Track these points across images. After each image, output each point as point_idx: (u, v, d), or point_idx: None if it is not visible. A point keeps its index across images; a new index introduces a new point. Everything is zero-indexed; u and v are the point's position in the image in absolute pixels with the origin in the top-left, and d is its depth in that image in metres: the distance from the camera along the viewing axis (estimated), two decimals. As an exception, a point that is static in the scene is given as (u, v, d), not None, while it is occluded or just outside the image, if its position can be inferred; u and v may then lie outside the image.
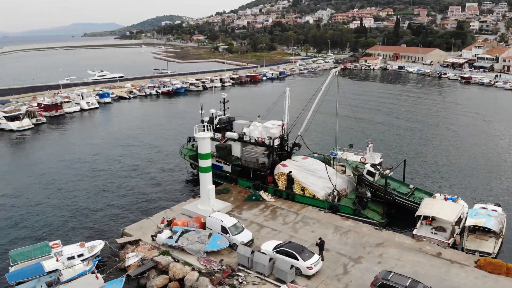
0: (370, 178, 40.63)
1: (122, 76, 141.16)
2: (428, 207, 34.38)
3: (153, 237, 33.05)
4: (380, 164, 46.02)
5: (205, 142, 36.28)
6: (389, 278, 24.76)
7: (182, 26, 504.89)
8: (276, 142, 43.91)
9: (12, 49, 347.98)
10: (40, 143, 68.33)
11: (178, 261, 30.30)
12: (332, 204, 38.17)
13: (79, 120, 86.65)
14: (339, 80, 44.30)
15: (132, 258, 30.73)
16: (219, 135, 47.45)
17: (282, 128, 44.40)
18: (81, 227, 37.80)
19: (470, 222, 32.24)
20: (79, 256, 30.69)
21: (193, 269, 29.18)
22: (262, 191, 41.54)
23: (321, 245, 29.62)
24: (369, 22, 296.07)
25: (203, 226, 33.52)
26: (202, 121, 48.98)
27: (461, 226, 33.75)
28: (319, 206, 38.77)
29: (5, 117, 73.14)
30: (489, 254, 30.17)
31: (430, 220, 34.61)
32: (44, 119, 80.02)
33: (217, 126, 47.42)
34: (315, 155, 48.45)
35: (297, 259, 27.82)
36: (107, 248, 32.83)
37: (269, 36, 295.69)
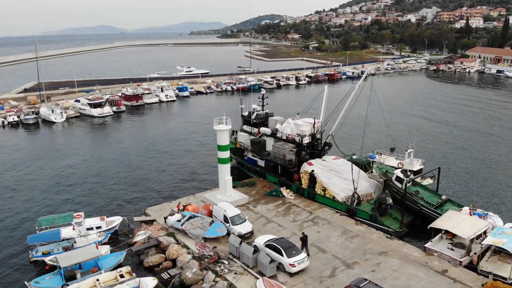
0: (399, 185, 38.29)
1: (207, 73, 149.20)
2: (446, 220, 31.53)
3: (165, 219, 35.36)
4: (420, 171, 43.25)
5: (224, 134, 37.57)
6: (361, 285, 23.58)
7: (280, 25, 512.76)
8: (306, 140, 43.45)
9: (122, 44, 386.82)
10: (116, 128, 76.23)
11: (179, 243, 32.15)
12: (349, 207, 36.86)
13: (156, 110, 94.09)
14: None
15: (140, 235, 33.39)
16: (256, 130, 48.40)
17: (313, 126, 43.77)
18: (112, 202, 42.08)
19: (488, 240, 28.85)
20: (97, 228, 34.23)
21: (188, 252, 30.78)
22: (284, 187, 41.63)
23: (303, 240, 29.34)
24: (477, 22, 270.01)
25: (210, 213, 34.95)
26: (242, 116, 50.70)
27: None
28: (337, 208, 37.73)
29: (88, 104, 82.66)
30: (505, 279, 26.80)
31: (451, 234, 31.70)
32: (123, 108, 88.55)
33: (254, 121, 48.43)
34: (354, 156, 47.12)
35: (282, 255, 27.81)
36: (125, 224, 36.05)
37: (365, 34, 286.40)
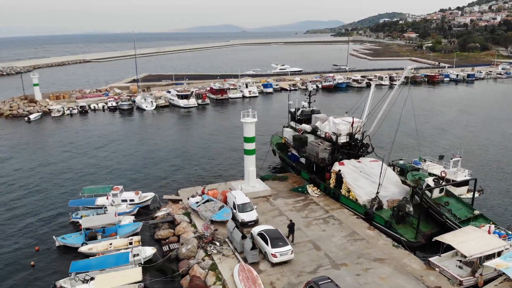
0: (427, 193, 35.80)
1: (300, 71, 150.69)
2: (457, 235, 28.98)
3: (188, 199, 38.48)
4: (465, 182, 39.62)
5: (250, 126, 39.14)
6: (320, 283, 23.42)
7: (397, 23, 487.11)
8: (343, 139, 42.66)
9: (237, 43, 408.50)
10: (197, 118, 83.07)
11: (190, 221, 34.99)
12: (367, 211, 35.69)
13: (238, 104, 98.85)
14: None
15: (162, 211, 37.07)
16: (299, 127, 48.88)
17: (351, 126, 42.77)
18: (156, 181, 47.00)
19: (492, 262, 25.89)
20: (130, 200, 38.86)
21: (194, 231, 33.39)
22: (311, 184, 41.68)
23: (290, 227, 29.92)
24: None
25: (226, 199, 37.07)
26: (289, 112, 51.57)
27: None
28: (357, 211, 36.76)
29: (177, 95, 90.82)
30: (505, 307, 24.04)
31: (466, 252, 29.01)
32: (207, 101, 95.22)
33: (298, 117, 49.00)
34: (400, 161, 45.09)
35: (267, 244, 28.72)
36: (156, 200, 40.18)
37: (488, 35, 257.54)
